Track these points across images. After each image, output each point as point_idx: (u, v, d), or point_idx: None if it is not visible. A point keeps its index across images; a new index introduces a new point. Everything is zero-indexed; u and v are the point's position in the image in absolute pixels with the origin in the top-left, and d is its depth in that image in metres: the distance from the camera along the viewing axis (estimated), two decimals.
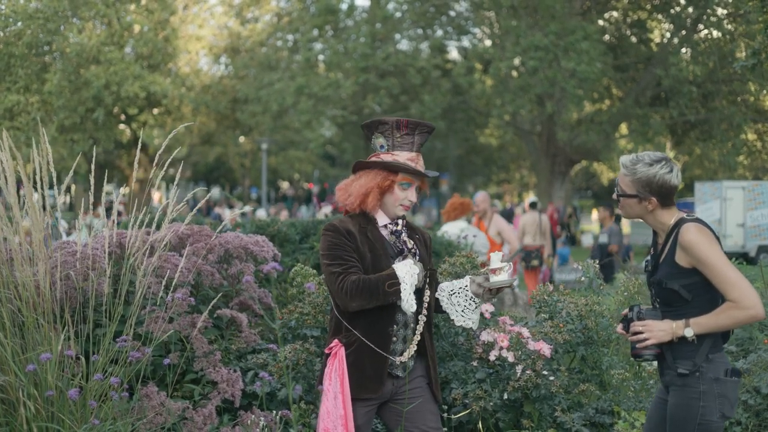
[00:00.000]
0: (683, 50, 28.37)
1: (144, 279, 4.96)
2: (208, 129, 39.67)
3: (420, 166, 4.54)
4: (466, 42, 35.77)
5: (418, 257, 4.55)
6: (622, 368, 5.69)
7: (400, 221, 4.58)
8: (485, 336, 5.20)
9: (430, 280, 4.55)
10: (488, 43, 32.96)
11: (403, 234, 4.57)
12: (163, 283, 4.99)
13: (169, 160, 5.26)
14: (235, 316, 5.38)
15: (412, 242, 4.60)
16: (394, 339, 4.50)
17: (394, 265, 4.30)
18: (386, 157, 4.50)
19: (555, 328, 5.46)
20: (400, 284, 4.24)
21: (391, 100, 32.79)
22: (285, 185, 64.46)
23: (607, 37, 30.13)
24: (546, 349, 5.18)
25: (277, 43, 37.81)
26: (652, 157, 4.20)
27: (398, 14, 33.53)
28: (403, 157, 4.49)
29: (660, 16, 30.49)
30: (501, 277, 4.39)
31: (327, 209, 24.11)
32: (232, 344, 5.44)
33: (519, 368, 5.17)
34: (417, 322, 4.52)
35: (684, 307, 4.13)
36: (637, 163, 4.21)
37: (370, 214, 4.56)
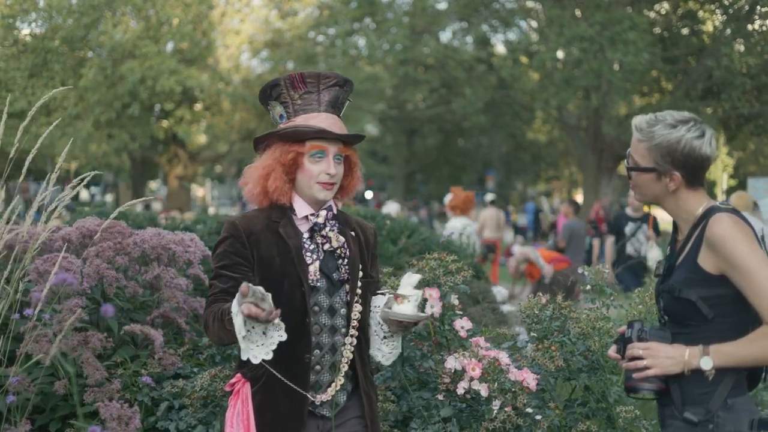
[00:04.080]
0: (736, 41, 26.91)
1: (20, 285, 3.91)
2: (249, 125, 39.04)
3: (335, 126, 3.43)
4: (511, 35, 34.65)
5: (346, 259, 3.46)
6: (632, 403, 4.47)
7: (323, 212, 3.48)
8: (451, 363, 4.05)
9: (363, 292, 3.47)
10: (534, 37, 31.79)
11: (327, 228, 3.47)
12: (43, 291, 3.91)
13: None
14: (146, 332, 4.30)
15: (342, 239, 3.49)
16: (318, 368, 3.41)
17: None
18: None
19: (545, 351, 4.28)
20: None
21: (432, 94, 31.81)
22: None
23: (657, 29, 28.73)
24: (531, 379, 4.02)
25: (318, 37, 36.98)
26: (676, 117, 3.05)
27: (441, 5, 32.50)
28: (306, 121, 3.42)
29: (712, 6, 29.03)
30: (403, 309, 3.31)
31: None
32: (141, 368, 4.35)
33: (496, 404, 4.01)
34: (344, 344, 3.44)
35: (702, 328, 3.00)
36: (655, 124, 3.05)
37: (285, 205, 3.47)
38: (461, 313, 4.47)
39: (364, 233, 3.63)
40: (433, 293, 4.20)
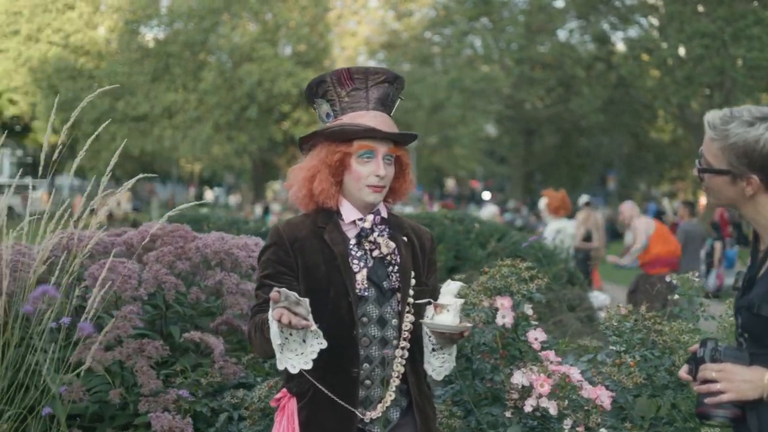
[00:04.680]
0: None
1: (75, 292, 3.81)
2: None
3: (384, 125, 3.21)
4: (631, 32, 33.88)
5: (397, 266, 3.23)
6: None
7: (370, 216, 3.25)
8: (518, 378, 3.77)
9: (416, 300, 3.23)
10: (654, 34, 31.01)
11: (375, 233, 3.24)
12: (97, 297, 3.79)
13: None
14: (206, 340, 4.15)
15: (393, 245, 3.26)
16: (367, 382, 3.19)
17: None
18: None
19: (622, 367, 3.96)
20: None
21: (550, 93, 31.33)
22: (450, 183, 63.37)
23: None
24: (604, 397, 3.72)
25: (434, 37, 36.88)
26: (754, 113, 2.70)
27: (558, 3, 31.98)
28: (354, 119, 3.20)
29: None
30: (442, 319, 3.05)
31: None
32: (202, 377, 4.20)
33: (567, 423, 3.72)
34: (395, 357, 3.22)
35: None
36: (730, 121, 2.73)
37: (332, 209, 3.26)
38: (536, 323, 4.19)
39: (419, 238, 3.39)
40: (504, 302, 3.94)
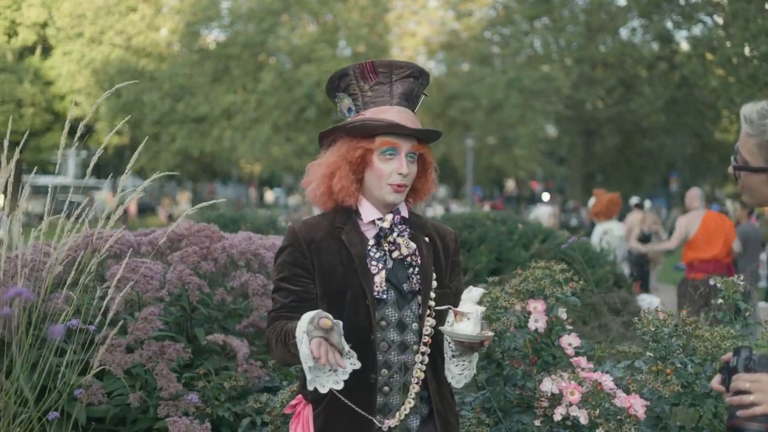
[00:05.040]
0: None
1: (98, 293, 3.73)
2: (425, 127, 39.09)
3: (408, 121, 3.06)
4: (695, 31, 33.30)
5: (418, 268, 3.10)
6: None
7: (389, 215, 3.12)
8: (547, 385, 3.61)
9: (438, 304, 3.09)
10: (719, 32, 30.42)
11: (395, 233, 3.12)
12: (116, 298, 3.71)
13: None
14: (229, 342, 4.05)
15: (413, 245, 3.13)
16: (386, 389, 3.06)
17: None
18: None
19: (659, 374, 3.78)
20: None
21: (611, 93, 30.91)
22: (510, 184, 62.93)
23: None
24: (638, 406, 3.55)
25: (493, 37, 36.65)
26: None
27: (620, 1, 31.54)
28: (377, 114, 3.06)
29: None
30: (462, 328, 2.91)
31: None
32: (225, 381, 4.10)
33: None
34: (415, 363, 3.09)
35: None
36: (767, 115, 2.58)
37: (351, 208, 3.14)
38: (570, 328, 4.03)
39: (442, 239, 3.25)
40: (537, 306, 3.80)
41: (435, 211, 35.29)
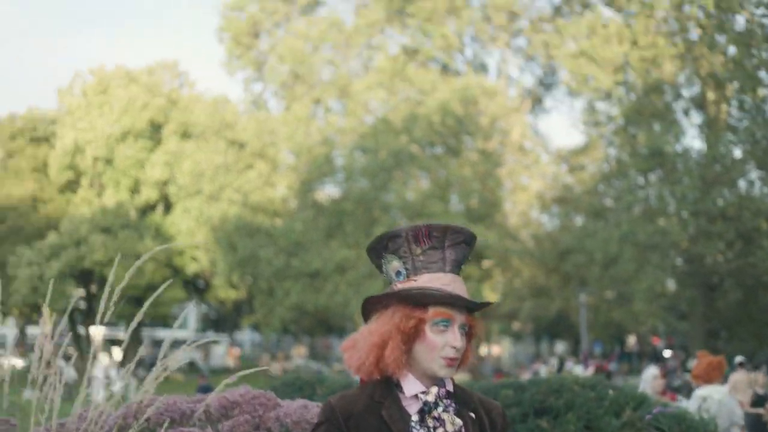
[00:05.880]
0: None
1: None
2: (538, 282, 38.71)
3: (462, 291, 2.86)
4: None
5: None
6: None
7: (434, 388, 2.88)
8: None
9: None
10: None
11: (440, 408, 2.87)
12: None
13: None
14: None
15: (459, 422, 2.88)
16: None
17: None
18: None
19: None
20: None
21: (729, 246, 30.02)
22: (631, 340, 61.29)
23: None
24: None
25: (607, 190, 36.37)
26: None
27: (737, 153, 30.97)
28: (432, 282, 2.86)
29: None
30: None
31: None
32: None
33: None
34: None
35: None
36: None
37: (392, 380, 2.92)
38: None
39: (489, 414, 2.99)
40: None
41: (550, 368, 34.47)
